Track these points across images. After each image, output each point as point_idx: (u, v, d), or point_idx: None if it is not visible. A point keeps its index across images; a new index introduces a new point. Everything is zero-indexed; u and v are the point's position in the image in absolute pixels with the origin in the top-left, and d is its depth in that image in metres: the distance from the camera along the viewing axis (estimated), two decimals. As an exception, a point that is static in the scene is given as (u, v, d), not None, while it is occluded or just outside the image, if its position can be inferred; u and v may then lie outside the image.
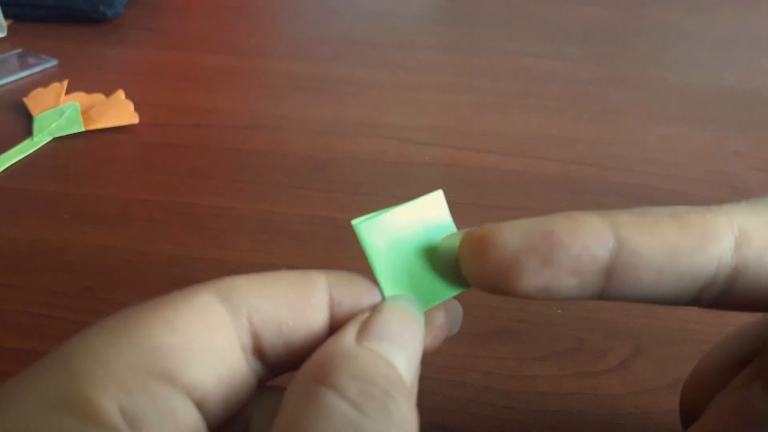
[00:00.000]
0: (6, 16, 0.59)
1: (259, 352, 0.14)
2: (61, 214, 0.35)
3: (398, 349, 0.14)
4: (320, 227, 0.35)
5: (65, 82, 0.47)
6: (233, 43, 0.59)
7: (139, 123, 0.44)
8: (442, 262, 0.16)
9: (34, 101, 0.46)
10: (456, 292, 0.17)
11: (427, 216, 0.17)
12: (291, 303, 0.14)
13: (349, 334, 0.14)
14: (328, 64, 0.54)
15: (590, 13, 0.67)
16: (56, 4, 0.59)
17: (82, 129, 0.43)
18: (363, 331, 0.14)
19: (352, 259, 0.32)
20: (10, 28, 0.59)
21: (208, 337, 0.13)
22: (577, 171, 0.40)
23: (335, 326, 0.15)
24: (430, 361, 0.27)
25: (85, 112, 0.44)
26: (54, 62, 0.53)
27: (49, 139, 0.42)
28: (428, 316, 0.16)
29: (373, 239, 0.16)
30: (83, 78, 0.50)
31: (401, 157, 0.41)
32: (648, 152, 0.43)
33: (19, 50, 0.55)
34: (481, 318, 0.29)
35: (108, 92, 0.47)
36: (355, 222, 0.16)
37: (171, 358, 0.13)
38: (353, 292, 0.16)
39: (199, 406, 0.13)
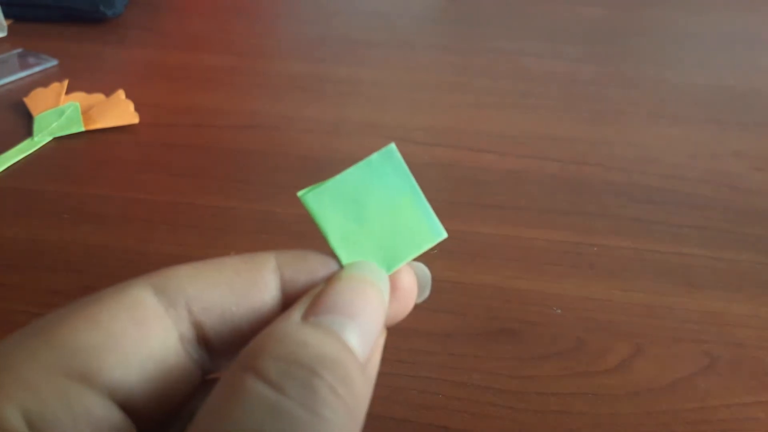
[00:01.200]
0: (6, 16, 0.59)
1: (204, 341, 0.14)
2: (61, 214, 0.35)
3: (348, 320, 0.13)
4: (320, 227, 0.35)
5: (65, 82, 0.47)
6: (233, 43, 0.59)
7: (139, 123, 0.44)
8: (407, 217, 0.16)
9: (34, 101, 0.46)
10: (421, 248, 0.16)
11: (383, 173, 0.16)
12: (234, 288, 0.14)
13: (295, 312, 0.13)
14: (327, 64, 0.54)
15: (590, 13, 0.67)
16: (56, 4, 0.59)
17: (83, 129, 0.43)
18: (312, 306, 0.13)
19: (352, 259, 0.32)
20: (10, 28, 0.59)
21: (136, 333, 0.13)
22: (577, 171, 0.40)
23: (290, 306, 0.14)
24: (430, 361, 0.27)
25: (85, 112, 0.44)
26: (54, 62, 0.53)
27: (49, 138, 0.42)
28: (393, 280, 0.16)
29: (322, 208, 0.15)
30: (83, 78, 0.50)
31: (401, 156, 0.41)
32: (648, 152, 0.43)
33: (20, 50, 0.55)
34: (482, 318, 0.29)
35: (108, 92, 0.47)
36: (300, 193, 0.15)
37: (90, 358, 0.12)
38: (307, 268, 0.15)
39: (124, 405, 0.13)
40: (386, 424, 0.25)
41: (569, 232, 0.35)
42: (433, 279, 0.32)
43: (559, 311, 0.30)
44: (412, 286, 0.16)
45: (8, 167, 0.39)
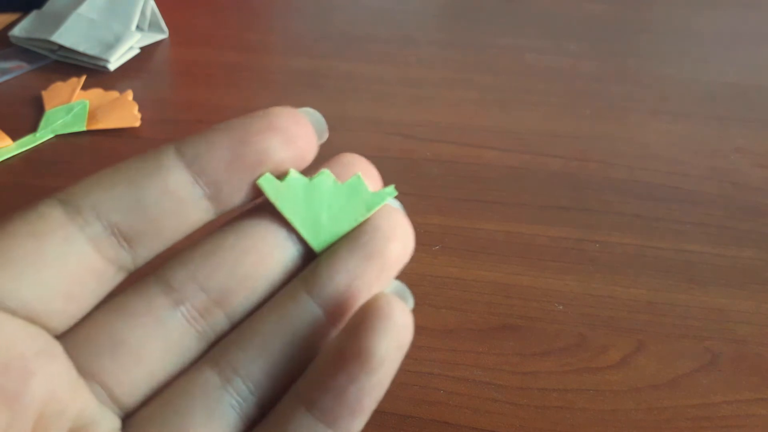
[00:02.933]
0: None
1: (125, 239, 0.14)
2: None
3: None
4: (322, 223, 0.35)
5: (83, 78, 0.47)
6: (235, 39, 0.59)
7: (141, 119, 0.44)
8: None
9: (50, 95, 0.46)
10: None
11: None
12: (134, 181, 0.14)
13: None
14: (329, 60, 0.54)
15: (593, 9, 0.67)
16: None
17: (84, 129, 0.43)
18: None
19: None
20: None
21: (31, 244, 0.13)
22: (579, 167, 0.40)
23: (213, 189, 0.15)
24: (432, 357, 0.27)
25: (91, 111, 0.44)
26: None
27: (51, 135, 0.42)
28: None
29: (281, 198, 0.15)
30: (92, 75, 0.50)
31: (403, 153, 0.41)
32: (650, 148, 0.42)
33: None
34: (483, 314, 0.29)
35: (121, 90, 0.47)
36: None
37: None
38: (207, 142, 0.15)
39: (36, 319, 0.13)
40: (388, 420, 0.25)
41: (571, 229, 0.35)
42: (435, 275, 0.32)
43: (560, 307, 0.30)
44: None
45: (5, 161, 0.39)
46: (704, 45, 0.59)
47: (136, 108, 0.45)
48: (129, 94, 0.46)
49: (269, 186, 0.15)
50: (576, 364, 0.27)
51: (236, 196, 0.15)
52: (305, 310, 0.15)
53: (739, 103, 0.49)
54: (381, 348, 0.13)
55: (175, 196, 0.14)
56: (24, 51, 0.54)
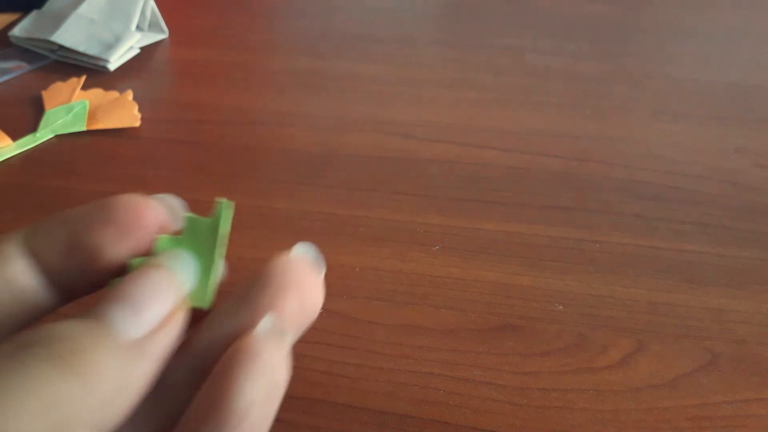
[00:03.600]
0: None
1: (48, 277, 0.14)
2: (61, 210, 0.35)
3: (117, 304, 0.13)
4: (322, 223, 0.35)
5: (83, 78, 0.47)
6: (235, 38, 0.59)
7: (141, 118, 0.44)
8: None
9: (50, 95, 0.46)
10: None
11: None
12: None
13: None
14: (330, 60, 0.54)
15: (593, 9, 0.67)
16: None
17: (84, 129, 0.43)
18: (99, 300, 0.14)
19: (355, 255, 0.32)
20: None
21: None
22: (580, 167, 0.40)
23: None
24: (432, 357, 0.27)
25: (91, 111, 0.44)
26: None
27: (51, 135, 0.42)
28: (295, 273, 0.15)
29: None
30: (92, 74, 0.50)
31: (403, 152, 0.41)
32: (650, 148, 0.42)
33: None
34: (484, 314, 0.29)
35: (121, 90, 0.47)
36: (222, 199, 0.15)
37: None
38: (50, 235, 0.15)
39: None
40: (388, 420, 0.25)
41: (571, 229, 0.35)
42: (435, 275, 0.32)
43: (560, 307, 0.30)
44: (318, 278, 0.15)
45: (6, 161, 0.39)
46: (704, 45, 0.59)
47: (136, 108, 0.45)
48: (129, 94, 0.46)
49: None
50: (576, 364, 0.27)
51: (79, 286, 0.15)
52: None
53: (739, 103, 0.49)
54: (244, 397, 0.12)
55: (14, 285, 0.14)
56: (24, 51, 0.54)
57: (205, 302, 0.15)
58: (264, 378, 0.13)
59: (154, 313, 0.13)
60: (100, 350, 0.12)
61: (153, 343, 0.13)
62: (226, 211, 0.15)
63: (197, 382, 0.14)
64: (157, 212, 0.15)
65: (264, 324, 0.14)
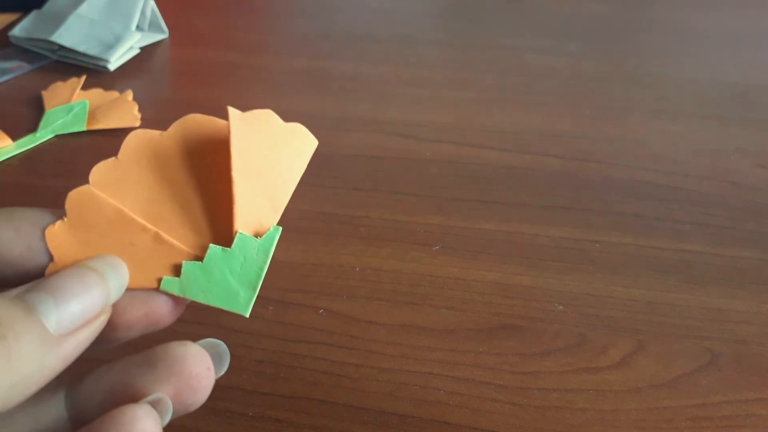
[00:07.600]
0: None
1: None
2: (60, 210, 0.35)
3: (49, 296, 0.14)
4: (322, 222, 0.35)
5: (83, 78, 0.47)
6: (235, 39, 0.59)
7: (141, 118, 0.44)
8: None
9: (50, 95, 0.46)
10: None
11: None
12: None
13: (15, 290, 0.14)
14: (330, 60, 0.54)
15: (593, 9, 0.67)
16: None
17: (84, 129, 0.43)
18: (29, 286, 0.14)
19: (354, 255, 0.32)
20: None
21: None
22: (579, 167, 0.40)
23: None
24: (432, 357, 0.27)
25: (91, 111, 0.44)
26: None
27: (50, 135, 0.42)
28: (182, 366, 0.15)
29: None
30: (92, 74, 0.50)
31: (403, 152, 0.41)
32: (650, 149, 0.42)
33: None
34: (484, 314, 0.29)
35: (121, 90, 0.47)
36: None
37: None
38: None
39: None
40: (388, 420, 0.25)
41: (571, 229, 0.35)
42: (435, 275, 0.32)
43: (560, 307, 0.30)
44: (206, 371, 0.16)
45: (6, 161, 0.39)
46: (704, 45, 0.59)
47: (136, 108, 0.45)
48: (129, 94, 0.46)
49: (171, 286, 0.16)
50: (576, 364, 0.27)
51: None
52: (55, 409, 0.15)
53: (739, 103, 0.49)
54: None
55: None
56: (24, 51, 0.54)
57: (246, 311, 0.16)
58: None
59: (78, 311, 0.14)
60: (28, 337, 0.13)
61: (71, 340, 0.14)
62: (276, 234, 0.17)
63: (75, 414, 0.15)
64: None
65: (144, 402, 0.14)
